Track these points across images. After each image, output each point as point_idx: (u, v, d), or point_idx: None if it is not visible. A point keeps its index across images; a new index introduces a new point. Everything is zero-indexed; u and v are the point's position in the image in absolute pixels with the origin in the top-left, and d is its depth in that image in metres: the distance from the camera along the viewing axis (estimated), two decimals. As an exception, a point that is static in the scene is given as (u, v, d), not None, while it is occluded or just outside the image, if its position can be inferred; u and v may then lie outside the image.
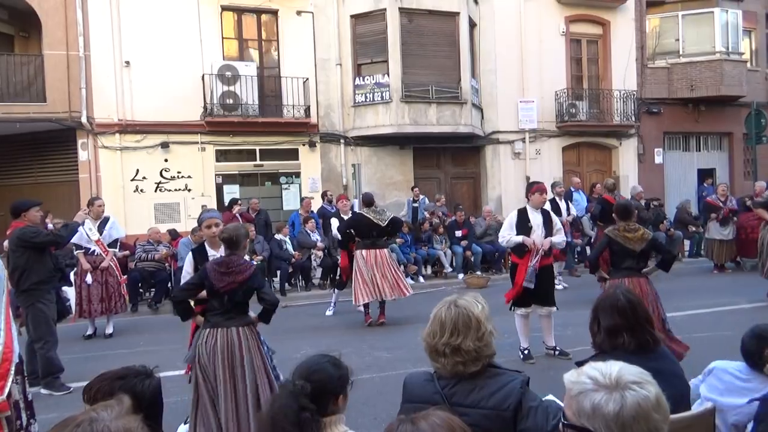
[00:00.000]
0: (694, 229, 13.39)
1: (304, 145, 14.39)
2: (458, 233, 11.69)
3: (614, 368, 1.39)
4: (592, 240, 11.12)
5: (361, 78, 14.51)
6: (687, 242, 13.72)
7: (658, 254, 5.53)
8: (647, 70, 17.01)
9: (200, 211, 7.58)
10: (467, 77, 14.65)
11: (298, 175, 14.58)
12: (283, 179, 14.56)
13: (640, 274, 5.18)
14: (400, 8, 14.02)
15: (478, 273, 11.40)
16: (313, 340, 7.10)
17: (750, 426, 2.54)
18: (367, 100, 14.38)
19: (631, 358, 2.33)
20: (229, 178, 14.02)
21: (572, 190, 12.07)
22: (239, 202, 11.54)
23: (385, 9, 14.03)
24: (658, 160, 17.20)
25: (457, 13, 14.53)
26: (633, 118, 16.53)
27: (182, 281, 4.21)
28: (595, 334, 2.47)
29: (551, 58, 16.03)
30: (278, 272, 10.37)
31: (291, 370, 2.07)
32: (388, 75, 14.08)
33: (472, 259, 11.55)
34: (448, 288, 10.40)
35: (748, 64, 17.53)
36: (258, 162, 14.27)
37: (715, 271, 11.76)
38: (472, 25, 15.20)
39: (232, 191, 13.92)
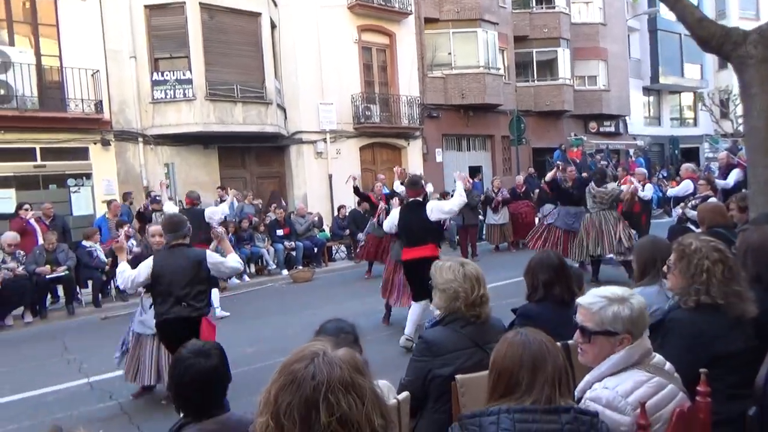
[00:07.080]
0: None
1: (95, 143, 13.09)
2: (279, 232, 11.87)
3: (614, 289, 1.97)
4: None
5: (159, 73, 13.71)
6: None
7: None
8: (427, 79, 19.10)
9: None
10: (271, 78, 14.83)
11: (89, 176, 13.21)
12: (71, 181, 13.05)
13: None
14: (200, 3, 13.61)
15: (299, 267, 11.73)
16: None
17: None
18: (168, 96, 13.65)
19: (557, 307, 2.98)
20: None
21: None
22: (26, 206, 10.11)
23: (184, 3, 13.50)
24: (438, 158, 19.45)
25: (259, 14, 14.61)
26: (418, 122, 18.41)
27: None
28: (534, 287, 3.01)
29: (347, 63, 17.02)
30: (89, 283, 9.34)
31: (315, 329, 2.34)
32: (190, 71, 13.57)
33: (294, 254, 11.83)
34: (276, 284, 10.52)
35: (504, 78, 20.79)
36: (39, 162, 12.58)
37: (493, 251, 13.82)
38: (273, 26, 15.41)
39: (5, 196, 12.10)
